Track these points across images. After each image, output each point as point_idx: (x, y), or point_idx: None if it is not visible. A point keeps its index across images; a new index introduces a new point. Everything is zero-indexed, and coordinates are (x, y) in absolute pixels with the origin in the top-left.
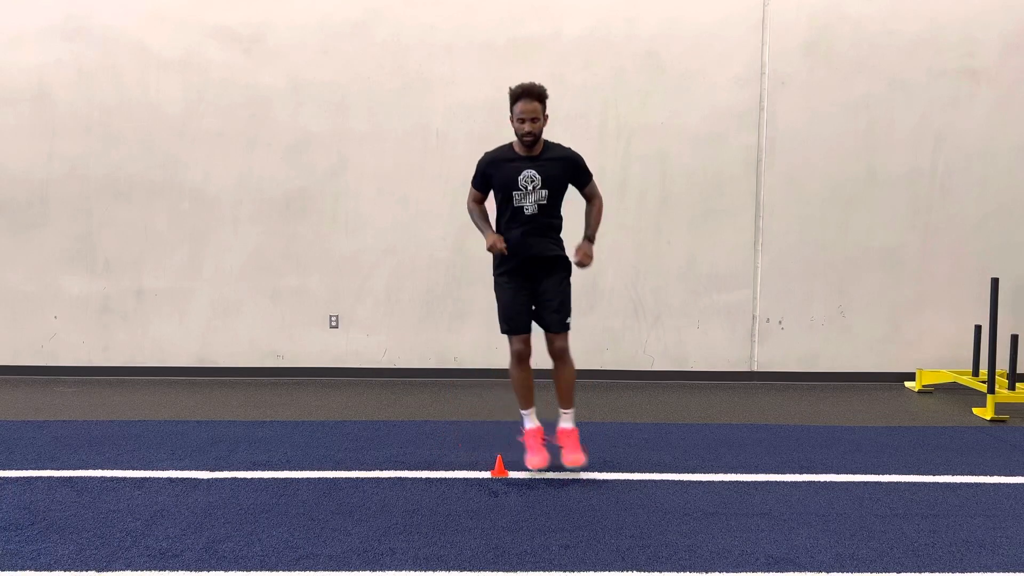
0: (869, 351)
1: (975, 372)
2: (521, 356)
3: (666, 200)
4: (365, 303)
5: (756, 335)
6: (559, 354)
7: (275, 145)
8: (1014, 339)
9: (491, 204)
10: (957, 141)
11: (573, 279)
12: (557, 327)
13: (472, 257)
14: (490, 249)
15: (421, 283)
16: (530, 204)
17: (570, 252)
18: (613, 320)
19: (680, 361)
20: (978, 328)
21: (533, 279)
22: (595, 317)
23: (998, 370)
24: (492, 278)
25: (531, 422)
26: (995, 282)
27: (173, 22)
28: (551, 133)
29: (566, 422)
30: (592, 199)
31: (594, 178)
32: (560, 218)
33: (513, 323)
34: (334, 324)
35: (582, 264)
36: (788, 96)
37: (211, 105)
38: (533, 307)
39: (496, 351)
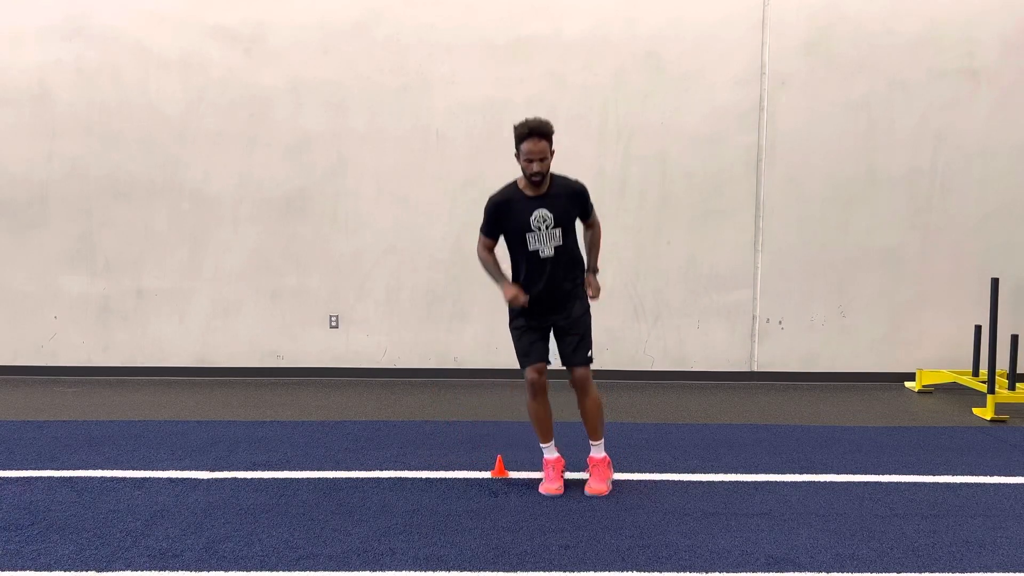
0: (869, 351)
1: (975, 372)
2: (536, 387)
3: (666, 200)
4: (365, 303)
5: (756, 335)
6: (580, 384)
7: (275, 145)
8: (1014, 339)
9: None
10: (957, 141)
11: None
12: (577, 362)
13: (472, 257)
14: (511, 302)
15: (421, 283)
16: (546, 247)
17: None
18: (613, 320)
19: (680, 361)
20: (978, 328)
21: (553, 314)
22: (595, 317)
23: (998, 370)
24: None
25: (551, 453)
26: (995, 282)
27: (173, 22)
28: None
29: (596, 452)
30: (592, 225)
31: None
32: (579, 255)
33: (529, 356)
34: (334, 324)
35: (595, 299)
36: (788, 96)
37: (211, 105)
38: (552, 337)
39: (496, 351)
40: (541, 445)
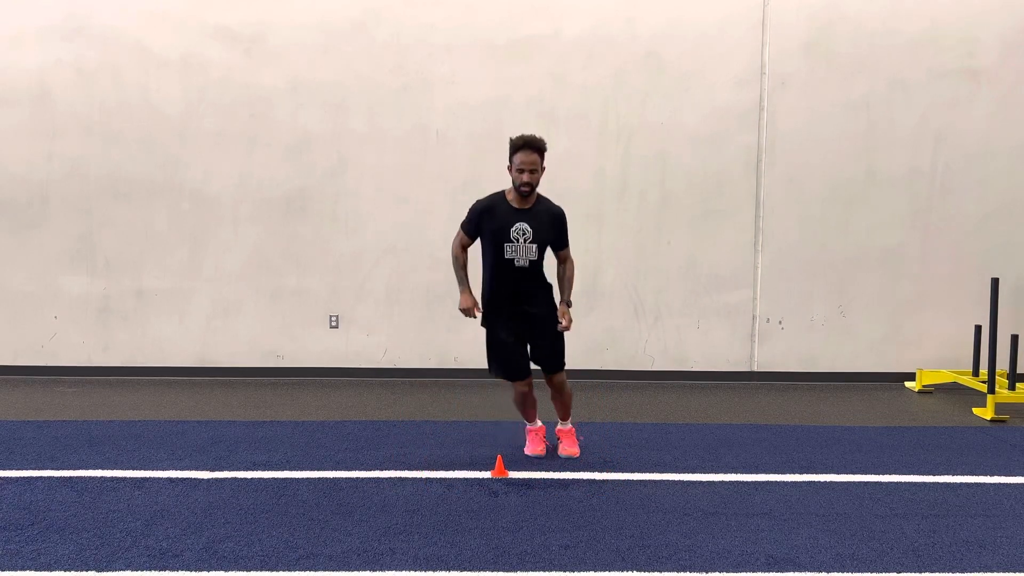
0: (869, 351)
1: (975, 372)
2: (524, 393)
3: (666, 200)
4: (365, 303)
5: (756, 335)
6: (557, 386)
7: (275, 145)
8: (1014, 339)
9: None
10: (957, 141)
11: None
12: (553, 370)
13: (473, 257)
14: (463, 311)
15: (421, 283)
16: (521, 257)
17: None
18: (613, 320)
19: (680, 361)
20: (978, 328)
21: (526, 324)
22: (595, 317)
23: (998, 370)
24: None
25: (535, 424)
26: (995, 282)
27: (173, 22)
28: (552, 134)
29: (564, 425)
30: (565, 261)
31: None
32: (543, 267)
33: (512, 373)
34: (334, 324)
35: (567, 329)
36: (788, 96)
37: (211, 105)
38: (528, 347)
39: None
40: (527, 424)
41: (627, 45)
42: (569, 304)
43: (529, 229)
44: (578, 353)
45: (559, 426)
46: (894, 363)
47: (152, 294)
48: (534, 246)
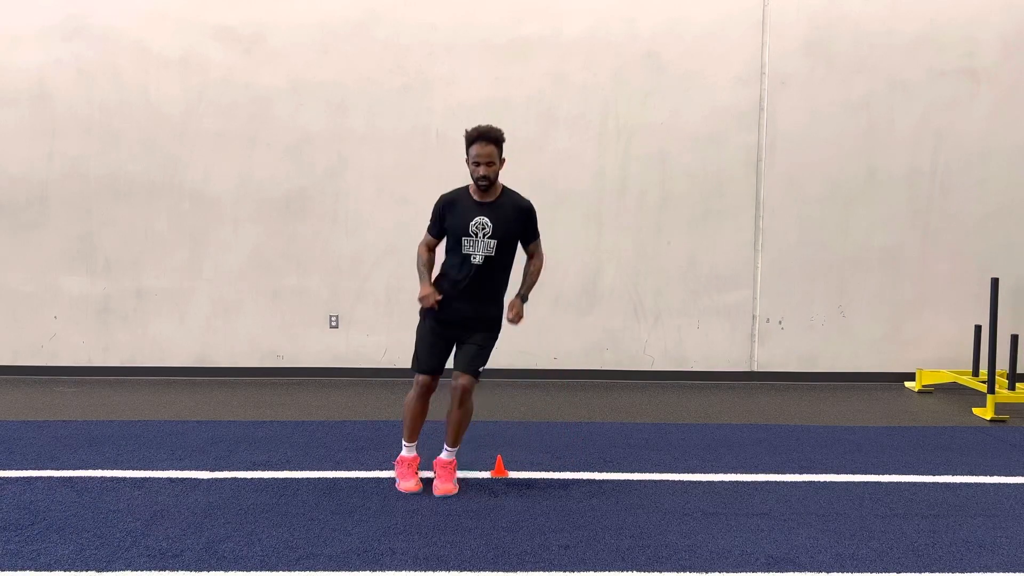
0: (869, 351)
1: (975, 372)
2: (424, 390)
3: (666, 200)
4: (365, 303)
5: (756, 335)
6: (459, 393)
7: (275, 145)
8: (1014, 339)
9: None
10: (957, 141)
11: (572, 280)
12: (464, 368)
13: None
14: (421, 300)
15: None
16: (478, 253)
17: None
18: (613, 320)
19: (680, 361)
20: (978, 328)
21: (462, 322)
22: (595, 317)
23: (998, 370)
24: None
25: (409, 452)
26: (995, 282)
27: (173, 22)
28: (552, 134)
29: (447, 456)
30: (533, 255)
31: (540, 239)
32: (507, 272)
33: (425, 366)
34: (334, 324)
35: (513, 323)
36: (788, 96)
37: (211, 105)
38: (453, 349)
39: (496, 351)
40: (404, 442)
41: (627, 45)
42: (524, 299)
43: (489, 224)
44: (578, 353)
45: (440, 455)
46: (894, 363)
47: (152, 294)
48: (493, 242)
